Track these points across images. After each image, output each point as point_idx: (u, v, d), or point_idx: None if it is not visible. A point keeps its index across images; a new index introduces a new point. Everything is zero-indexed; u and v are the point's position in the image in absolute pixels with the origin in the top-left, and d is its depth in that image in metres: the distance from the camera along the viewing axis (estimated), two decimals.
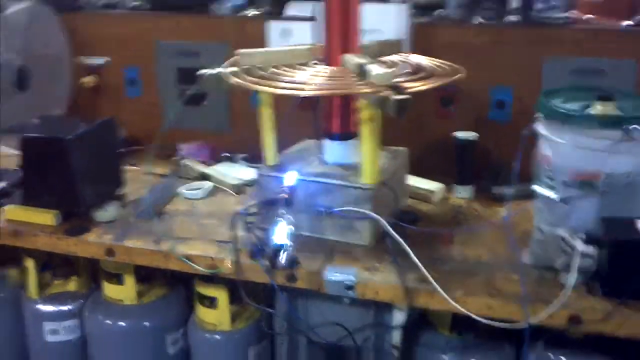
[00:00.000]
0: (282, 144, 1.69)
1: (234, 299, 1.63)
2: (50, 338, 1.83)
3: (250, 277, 1.44)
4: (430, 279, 1.31)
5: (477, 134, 1.77)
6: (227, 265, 1.44)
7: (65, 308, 1.83)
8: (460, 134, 1.77)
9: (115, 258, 1.55)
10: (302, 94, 1.33)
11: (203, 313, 1.70)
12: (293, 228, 1.38)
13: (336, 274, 1.38)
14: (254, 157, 2.04)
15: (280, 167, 1.57)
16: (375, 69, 1.33)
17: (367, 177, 1.46)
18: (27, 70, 2.11)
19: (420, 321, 1.57)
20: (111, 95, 2.23)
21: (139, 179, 1.92)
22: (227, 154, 2.07)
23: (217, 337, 1.67)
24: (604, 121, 1.36)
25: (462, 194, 1.80)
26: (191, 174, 1.95)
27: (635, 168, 1.36)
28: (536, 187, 1.51)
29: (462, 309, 1.28)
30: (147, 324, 1.74)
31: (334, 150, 1.59)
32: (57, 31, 2.18)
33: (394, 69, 1.47)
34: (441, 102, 1.88)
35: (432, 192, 1.76)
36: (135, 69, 2.18)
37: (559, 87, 1.70)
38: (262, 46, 1.96)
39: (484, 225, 1.60)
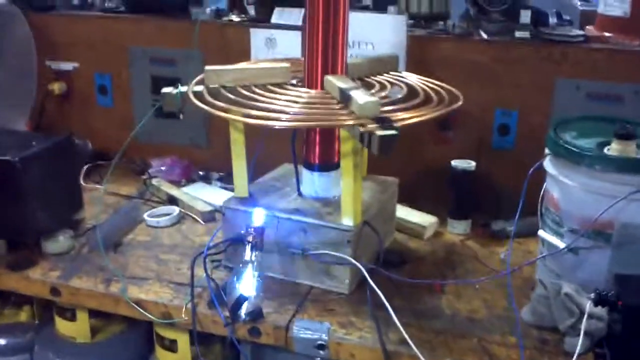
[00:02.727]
0: (263, 166, 1.52)
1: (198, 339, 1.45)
2: None
3: (209, 329, 1.26)
4: (412, 344, 1.13)
5: (475, 163, 1.58)
6: (182, 315, 1.26)
7: (15, 341, 1.65)
8: (458, 163, 1.58)
9: (61, 299, 1.37)
10: (276, 125, 1.14)
11: (162, 355, 1.52)
12: (259, 278, 1.20)
13: (306, 331, 1.20)
14: (231, 176, 1.86)
15: (250, 200, 1.38)
16: (359, 97, 1.14)
17: (348, 217, 1.28)
18: None
19: None
20: (81, 104, 2.05)
21: (102, 200, 1.74)
22: (202, 173, 1.89)
23: None
24: (622, 164, 1.18)
25: (457, 229, 1.61)
26: (159, 196, 1.77)
27: None
28: (541, 233, 1.33)
29: None
30: None
31: (312, 182, 1.40)
32: (25, 33, 2.00)
33: (383, 94, 1.28)
34: (439, 126, 1.68)
35: (423, 227, 1.57)
36: (107, 76, 2.00)
37: (570, 113, 1.52)
38: (245, 56, 1.78)
39: (479, 271, 1.41)
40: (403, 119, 1.15)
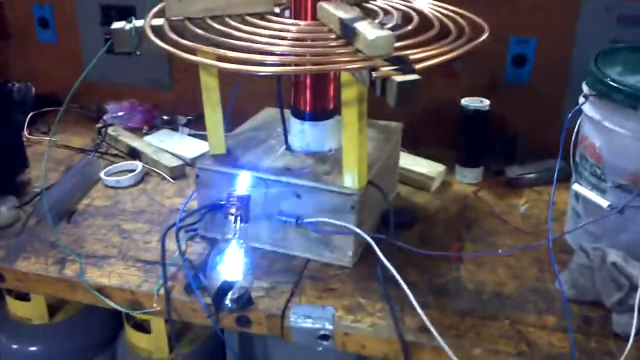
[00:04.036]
0: (237, 109, 1.27)
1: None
2: None
3: (188, 318, 1.04)
4: (436, 334, 0.93)
5: (489, 102, 1.36)
6: (153, 304, 1.04)
7: None
8: (469, 102, 1.36)
9: (7, 284, 1.14)
10: (263, 72, 0.89)
11: (133, 336, 1.32)
12: (246, 257, 0.98)
13: (305, 319, 0.99)
14: (200, 120, 1.61)
15: (228, 158, 1.15)
16: (368, 31, 0.89)
17: (351, 179, 1.05)
18: None
19: None
20: (18, 40, 1.74)
21: (50, 154, 1.48)
22: (166, 117, 1.63)
23: None
24: None
25: (468, 177, 1.40)
26: (118, 148, 1.52)
27: None
28: (577, 187, 1.12)
29: None
30: (63, 347, 1.37)
31: (303, 134, 1.16)
32: None
33: (390, 25, 1.03)
34: None
35: (431, 178, 1.35)
36: (47, 6, 1.69)
37: (598, 41, 1.31)
38: None
39: (499, 230, 1.22)
40: (423, 59, 0.90)
